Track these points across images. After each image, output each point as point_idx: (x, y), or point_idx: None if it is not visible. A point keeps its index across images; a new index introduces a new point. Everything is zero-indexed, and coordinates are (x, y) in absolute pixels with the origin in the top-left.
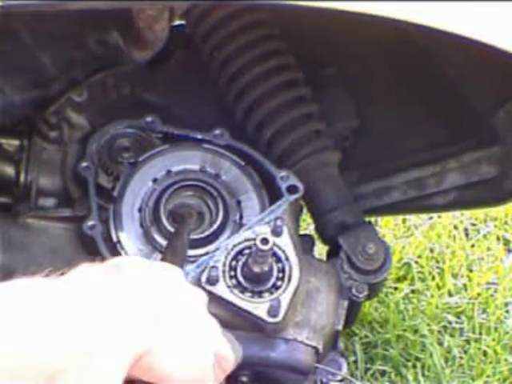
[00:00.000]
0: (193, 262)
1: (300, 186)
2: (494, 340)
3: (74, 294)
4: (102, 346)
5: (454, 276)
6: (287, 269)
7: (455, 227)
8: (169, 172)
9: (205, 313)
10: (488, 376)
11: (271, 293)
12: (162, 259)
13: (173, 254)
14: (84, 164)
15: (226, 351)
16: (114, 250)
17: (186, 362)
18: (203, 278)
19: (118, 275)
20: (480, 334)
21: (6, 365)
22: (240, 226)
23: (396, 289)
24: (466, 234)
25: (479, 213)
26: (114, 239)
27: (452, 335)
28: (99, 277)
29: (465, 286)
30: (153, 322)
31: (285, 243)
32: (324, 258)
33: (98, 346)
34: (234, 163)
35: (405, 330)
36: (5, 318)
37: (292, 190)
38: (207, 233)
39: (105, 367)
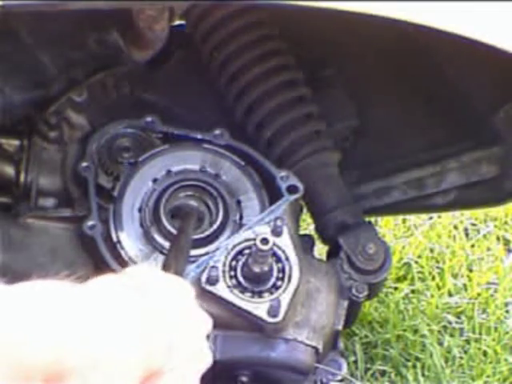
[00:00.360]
0: (193, 261)
1: (300, 186)
2: (494, 340)
3: (93, 301)
4: (113, 354)
5: (454, 276)
6: (287, 269)
7: (455, 227)
8: (169, 172)
9: (205, 341)
10: (488, 376)
11: (271, 293)
12: (167, 257)
13: (177, 252)
14: (84, 164)
15: None
16: (114, 250)
17: None
18: (203, 278)
19: (140, 291)
20: (480, 334)
21: (13, 361)
22: (240, 226)
23: (396, 289)
24: (466, 234)
25: (479, 213)
26: (114, 239)
27: (452, 335)
28: (121, 289)
29: (465, 286)
30: (167, 347)
31: (285, 243)
32: (324, 257)
33: (108, 354)
34: (234, 163)
35: (405, 330)
36: (16, 317)
37: (292, 189)
38: (207, 233)
39: (111, 375)
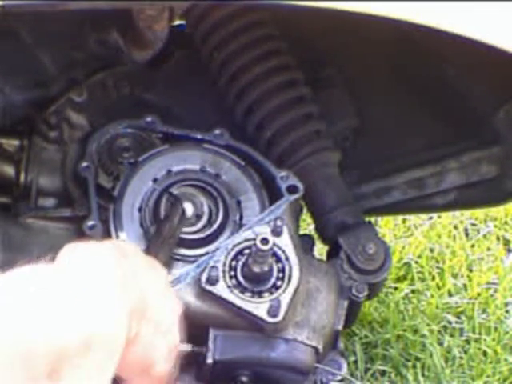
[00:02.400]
0: (193, 261)
1: (300, 186)
2: (493, 340)
3: (76, 280)
4: (101, 335)
5: (454, 276)
6: (287, 269)
7: (455, 227)
8: (169, 172)
9: (177, 320)
10: (488, 376)
11: (271, 293)
12: (149, 246)
13: (158, 242)
14: (84, 164)
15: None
16: None
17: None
18: (203, 278)
19: (120, 265)
20: (480, 334)
21: (15, 354)
22: (240, 226)
23: (396, 289)
24: (466, 234)
25: (479, 213)
26: (114, 239)
27: (452, 335)
28: (100, 263)
29: (465, 286)
30: (141, 314)
31: (285, 243)
32: (324, 257)
33: (97, 336)
34: (234, 163)
35: (405, 330)
36: (11, 307)
37: (292, 189)
38: (207, 233)
39: (103, 356)
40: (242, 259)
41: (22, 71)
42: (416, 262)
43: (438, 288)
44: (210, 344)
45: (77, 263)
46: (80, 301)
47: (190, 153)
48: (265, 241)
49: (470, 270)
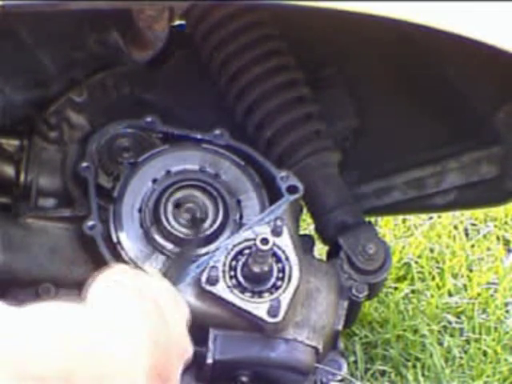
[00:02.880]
0: (193, 261)
1: (300, 186)
2: (493, 340)
3: (96, 315)
4: (119, 368)
5: (454, 276)
6: (287, 269)
7: (455, 227)
8: (168, 172)
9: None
10: (488, 376)
11: (271, 293)
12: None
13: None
14: (84, 164)
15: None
16: (114, 250)
17: None
18: (203, 278)
19: (139, 297)
20: (480, 334)
21: (23, 374)
22: (240, 225)
23: (396, 289)
24: (466, 234)
25: (479, 213)
26: (114, 239)
27: (452, 335)
28: (121, 299)
29: (465, 286)
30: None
31: (285, 243)
32: (324, 257)
33: (114, 368)
34: (233, 163)
35: (405, 330)
36: (25, 333)
37: (292, 189)
38: (207, 233)
39: None
40: (242, 259)
41: (21, 71)
42: (416, 262)
43: (438, 288)
44: (210, 344)
45: (108, 306)
46: (101, 336)
47: (189, 153)
48: (265, 241)
49: (470, 270)
